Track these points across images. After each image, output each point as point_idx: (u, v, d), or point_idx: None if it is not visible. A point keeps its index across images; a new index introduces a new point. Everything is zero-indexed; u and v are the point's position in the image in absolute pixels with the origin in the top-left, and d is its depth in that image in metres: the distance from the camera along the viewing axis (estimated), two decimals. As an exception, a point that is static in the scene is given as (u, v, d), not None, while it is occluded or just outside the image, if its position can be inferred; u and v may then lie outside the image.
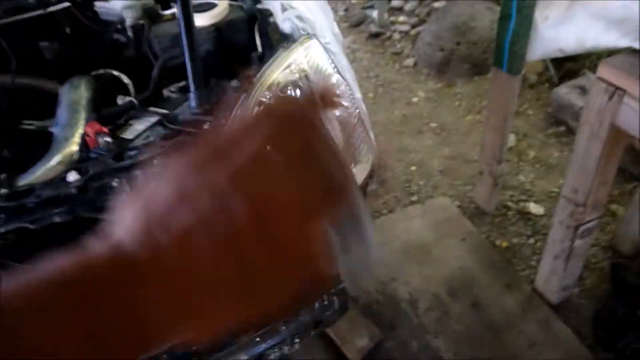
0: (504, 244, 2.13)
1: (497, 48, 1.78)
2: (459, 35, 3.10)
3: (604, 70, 1.37)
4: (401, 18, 3.79)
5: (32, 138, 1.19)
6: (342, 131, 1.15)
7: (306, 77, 1.11)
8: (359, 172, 1.15)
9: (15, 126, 1.20)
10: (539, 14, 1.62)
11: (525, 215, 2.25)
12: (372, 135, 1.25)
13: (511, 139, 2.62)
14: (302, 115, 0.36)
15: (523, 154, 2.60)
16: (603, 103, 1.38)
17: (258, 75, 1.08)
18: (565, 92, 2.67)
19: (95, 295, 0.29)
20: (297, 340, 0.98)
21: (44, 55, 1.48)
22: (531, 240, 2.13)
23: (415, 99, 3.07)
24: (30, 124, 1.21)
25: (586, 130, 1.47)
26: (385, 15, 3.79)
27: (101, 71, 1.34)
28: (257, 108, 1.05)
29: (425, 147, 2.70)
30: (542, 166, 2.51)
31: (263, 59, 1.16)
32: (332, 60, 1.18)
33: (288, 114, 0.35)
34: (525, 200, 2.31)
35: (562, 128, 2.69)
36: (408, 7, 3.88)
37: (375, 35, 3.69)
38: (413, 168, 2.56)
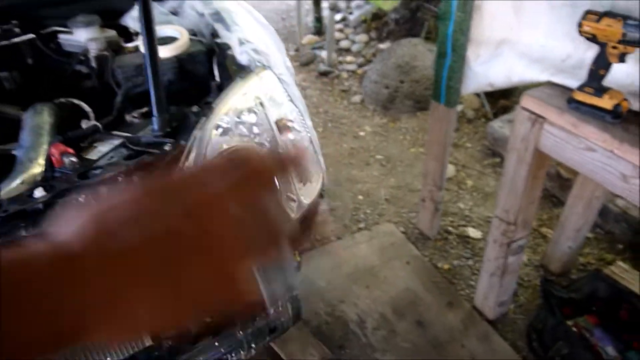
0: (446, 266, 2.26)
1: (435, 83, 1.95)
2: (402, 74, 3.32)
3: (527, 101, 1.54)
4: (348, 58, 4.00)
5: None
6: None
7: (261, 104, 1.22)
8: (309, 191, 1.25)
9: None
10: (471, 53, 1.81)
11: (464, 239, 2.40)
12: (321, 158, 1.36)
13: (451, 170, 2.81)
14: (266, 174, 0.39)
15: (462, 183, 2.78)
16: (527, 130, 1.56)
17: (216, 101, 1.18)
18: (499, 125, 2.90)
19: (31, 286, 0.30)
20: (252, 345, 1.05)
21: (3, 84, 1.53)
22: (470, 262, 2.28)
23: (362, 133, 3.23)
24: (-7, 147, 1.26)
25: (513, 155, 1.64)
26: (334, 55, 4.00)
27: (62, 100, 1.41)
28: (224, 152, 1.14)
29: (372, 177, 2.85)
30: (480, 194, 2.69)
31: (221, 88, 1.26)
32: (285, 89, 1.29)
33: (255, 169, 0.39)
34: (465, 226, 2.47)
35: (498, 159, 2.90)
36: (355, 47, 4.10)
37: (324, 74, 3.88)
38: (360, 197, 2.69)
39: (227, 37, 1.35)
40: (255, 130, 1.20)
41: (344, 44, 4.18)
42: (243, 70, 1.27)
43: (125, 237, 0.33)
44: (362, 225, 2.51)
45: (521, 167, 1.63)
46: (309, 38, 4.35)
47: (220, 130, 1.15)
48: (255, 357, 1.88)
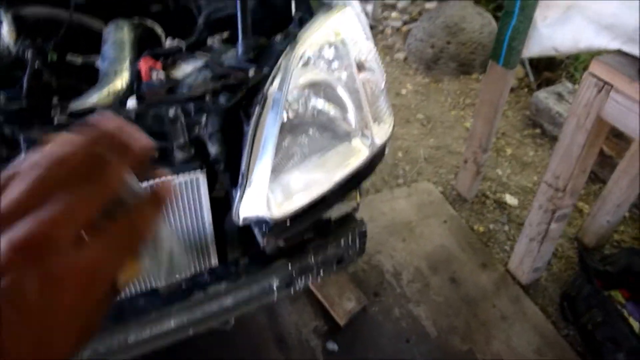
0: (481, 229, 2.29)
1: (497, 42, 1.93)
2: (450, 34, 3.27)
3: (595, 67, 1.53)
4: (393, 14, 3.94)
5: (76, 71, 1.25)
6: (370, 94, 1.26)
7: (342, 40, 1.22)
8: (382, 131, 1.26)
9: (61, 59, 1.26)
10: (539, 14, 1.77)
11: (501, 204, 2.42)
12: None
13: (492, 136, 2.80)
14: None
15: (501, 150, 2.77)
16: (592, 96, 1.54)
17: (299, 33, 1.18)
18: (544, 96, 2.87)
19: None
20: (320, 272, 1.09)
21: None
22: (506, 228, 2.30)
23: (404, 91, 3.21)
24: (74, 58, 1.27)
25: (573, 121, 1.63)
26: (379, 10, 3.93)
27: (135, 20, 1.41)
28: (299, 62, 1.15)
29: (412, 136, 2.85)
30: (518, 163, 2.69)
31: (303, 21, 1.26)
32: (363, 28, 1.29)
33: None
34: (502, 192, 2.48)
35: (538, 130, 2.88)
36: (401, 4, 4.03)
37: (369, 28, 3.82)
38: (400, 154, 2.70)
39: (311, -29, 1.34)
40: (335, 65, 1.20)
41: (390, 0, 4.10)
42: (325, 5, 1.26)
43: None
44: (400, 181, 2.53)
45: (579, 133, 1.63)
46: (354, -9, 4.27)
47: (302, 61, 1.15)
48: (293, 297, 1.94)
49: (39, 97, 1.09)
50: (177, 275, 1.15)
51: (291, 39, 1.17)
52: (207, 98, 1.06)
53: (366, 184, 2.48)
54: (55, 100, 1.09)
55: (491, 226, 2.31)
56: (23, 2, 1.27)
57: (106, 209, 0.32)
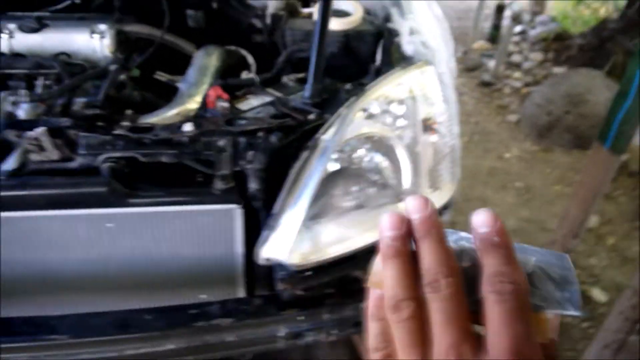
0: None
1: (606, 123, 1.76)
2: (570, 104, 3.06)
3: None
4: (516, 74, 3.78)
5: (160, 88, 1.34)
6: (432, 157, 1.20)
7: (413, 98, 1.18)
8: (437, 198, 1.20)
9: (150, 75, 1.36)
10: (658, 101, 1.60)
11: (586, 297, 2.18)
12: (458, 169, 1.30)
13: (593, 221, 2.56)
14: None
15: (602, 238, 2.52)
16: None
17: (370, 84, 1.16)
18: (666, 189, 2.57)
19: None
20: (334, 332, 1.05)
21: (187, 21, 1.65)
22: (584, 324, 2.07)
23: (507, 155, 3.05)
24: (163, 76, 1.37)
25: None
26: (502, 67, 3.80)
27: (232, 48, 1.49)
28: (361, 113, 1.13)
29: (505, 203, 2.69)
30: (619, 256, 2.42)
31: (379, 73, 1.24)
32: (442, 89, 1.24)
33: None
34: (591, 284, 2.24)
35: (652, 225, 2.58)
36: (526, 65, 3.86)
37: (486, 84, 3.71)
38: (486, 219, 2.55)
39: (399, 23, 1.32)
40: (400, 123, 1.17)
41: (516, 58, 3.95)
42: (405, 61, 1.23)
43: None
44: (479, 248, 2.38)
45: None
46: (480, 44, 4.18)
47: (365, 113, 1.13)
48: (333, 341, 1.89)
49: (115, 108, 1.18)
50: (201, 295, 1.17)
51: (358, 90, 1.16)
52: (260, 135, 1.07)
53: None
54: (128, 112, 1.18)
55: (567, 319, 2.09)
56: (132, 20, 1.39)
57: None
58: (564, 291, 0.37)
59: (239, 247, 1.12)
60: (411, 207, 0.38)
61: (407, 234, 0.38)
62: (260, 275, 1.15)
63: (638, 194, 2.80)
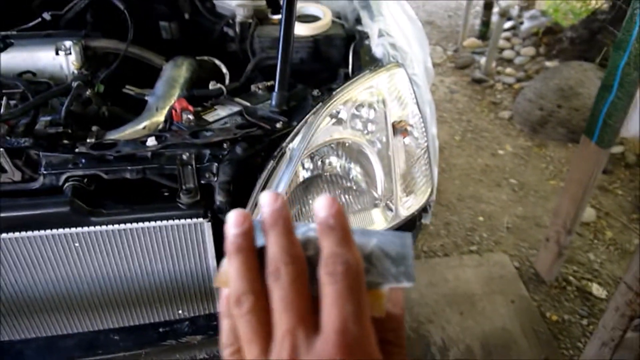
0: (554, 317, 2.04)
1: (592, 117, 1.73)
2: (562, 98, 3.02)
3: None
4: (508, 70, 3.75)
5: (129, 102, 1.33)
6: (406, 161, 1.18)
7: (383, 101, 1.16)
8: (413, 203, 1.17)
9: (119, 89, 1.34)
10: (641, 92, 1.57)
11: (585, 294, 2.14)
12: (435, 171, 1.27)
13: (591, 215, 2.52)
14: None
15: (600, 232, 2.48)
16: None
17: (338, 89, 1.14)
18: (662, 180, 2.53)
19: None
20: None
21: (160, 33, 1.64)
22: (584, 321, 2.03)
23: (501, 152, 3.02)
24: (131, 90, 1.35)
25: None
26: (493, 63, 3.77)
27: (205, 58, 1.47)
28: (330, 119, 1.11)
29: (499, 200, 2.65)
30: (617, 250, 2.38)
31: (349, 77, 1.22)
32: (413, 91, 1.21)
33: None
34: (589, 280, 2.21)
35: (650, 216, 2.54)
36: (518, 60, 3.83)
37: (478, 81, 3.67)
38: (481, 218, 2.52)
39: (369, 25, 1.30)
40: (370, 127, 1.14)
41: (507, 54, 3.92)
42: (375, 63, 1.21)
43: None
44: (474, 248, 2.35)
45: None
46: (471, 41, 4.14)
47: (334, 119, 1.11)
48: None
49: (82, 125, 1.17)
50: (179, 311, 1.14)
51: (326, 95, 1.14)
52: (225, 146, 1.05)
53: (435, 244, 2.35)
54: (94, 128, 1.16)
55: (567, 316, 2.05)
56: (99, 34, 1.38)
57: None
58: (399, 266, 0.38)
59: (212, 260, 1.10)
60: (262, 201, 0.39)
61: (249, 229, 0.38)
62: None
63: (634, 186, 2.76)
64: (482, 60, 3.81)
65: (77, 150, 1.02)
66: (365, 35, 1.33)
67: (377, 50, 1.25)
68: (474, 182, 2.77)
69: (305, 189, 1.13)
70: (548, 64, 3.65)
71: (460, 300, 2.07)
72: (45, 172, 1.00)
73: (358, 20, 1.39)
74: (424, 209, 1.23)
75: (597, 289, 2.17)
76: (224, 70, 1.45)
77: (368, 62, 1.25)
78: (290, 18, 1.15)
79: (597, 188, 2.67)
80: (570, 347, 1.93)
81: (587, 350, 1.78)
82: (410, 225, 1.18)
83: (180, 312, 1.14)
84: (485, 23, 4.12)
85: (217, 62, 1.47)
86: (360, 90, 1.15)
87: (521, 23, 4.14)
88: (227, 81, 1.40)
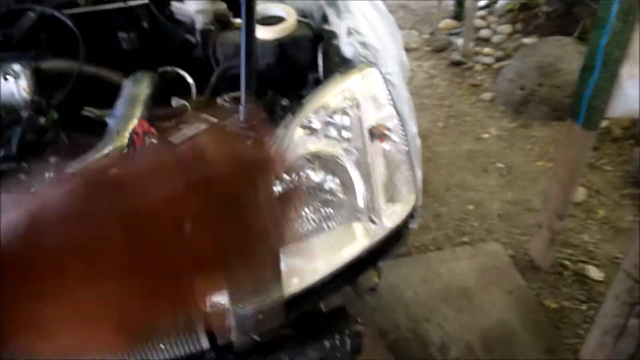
0: (553, 305, 2.00)
1: (575, 99, 1.67)
2: (543, 75, 2.97)
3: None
4: (486, 49, 3.68)
5: (90, 125, 1.24)
6: (386, 167, 1.11)
7: (357, 105, 1.09)
8: (397, 212, 1.11)
9: (77, 112, 1.25)
10: (625, 71, 1.51)
11: (582, 277, 2.10)
12: (419, 174, 1.20)
13: (581, 194, 2.47)
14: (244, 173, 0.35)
15: (592, 211, 2.43)
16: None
17: (307, 97, 1.07)
18: (650, 152, 2.49)
19: None
20: (301, 377, 0.96)
21: (120, 44, 1.54)
22: (584, 307, 1.99)
23: (485, 135, 2.96)
24: (91, 112, 1.26)
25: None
26: (471, 44, 3.70)
27: (168, 68, 1.38)
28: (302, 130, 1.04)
29: (488, 187, 2.60)
30: (611, 228, 2.34)
31: (319, 81, 1.14)
32: (389, 91, 1.14)
33: (232, 168, 0.34)
34: (585, 262, 2.16)
35: (641, 190, 2.50)
36: (495, 39, 3.77)
37: (457, 64, 3.61)
38: (470, 207, 2.47)
39: (336, 24, 1.22)
40: (346, 134, 1.07)
41: (484, 33, 3.85)
42: (345, 65, 1.14)
43: (52, 238, 0.29)
44: (466, 239, 2.29)
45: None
46: (446, 22, 4.07)
47: (306, 130, 1.04)
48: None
49: (37, 156, 1.08)
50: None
51: (295, 104, 1.06)
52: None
53: (426, 238, 2.29)
54: (52, 159, 1.07)
55: (566, 303, 2.00)
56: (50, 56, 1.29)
57: None
58: None
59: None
60: None
61: None
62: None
63: (623, 160, 2.71)
64: (459, 41, 3.74)
65: (33, 189, 0.94)
66: (333, 35, 1.25)
67: (347, 50, 1.18)
68: (460, 170, 2.71)
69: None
70: (526, 40, 3.59)
71: (456, 295, 2.02)
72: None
73: (325, 19, 1.31)
74: (411, 216, 1.17)
75: (594, 271, 2.12)
76: (190, 80, 1.36)
77: (338, 64, 1.17)
78: (251, 24, 1.07)
79: (586, 166, 2.62)
80: (572, 335, 1.89)
81: (589, 339, 1.73)
82: (397, 236, 1.11)
83: (163, 347, 1.07)
84: (460, 3, 4.04)
85: (182, 72, 1.38)
86: (331, 96, 1.07)
87: (495, 1, 4.07)
88: (193, 92, 1.32)
